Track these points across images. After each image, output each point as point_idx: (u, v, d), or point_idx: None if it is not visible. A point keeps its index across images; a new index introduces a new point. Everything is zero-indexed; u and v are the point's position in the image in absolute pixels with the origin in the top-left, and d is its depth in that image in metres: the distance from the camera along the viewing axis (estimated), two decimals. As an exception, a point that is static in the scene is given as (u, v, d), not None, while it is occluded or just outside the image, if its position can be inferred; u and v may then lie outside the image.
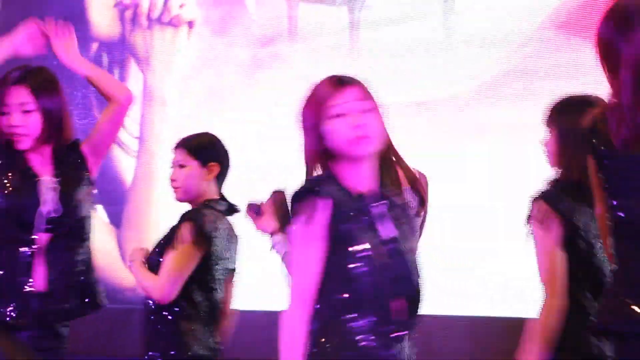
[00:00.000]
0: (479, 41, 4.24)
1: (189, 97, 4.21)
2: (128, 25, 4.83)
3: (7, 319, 2.72)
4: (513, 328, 3.23)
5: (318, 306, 2.14)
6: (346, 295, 2.11)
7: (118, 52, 4.84)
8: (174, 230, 3.25)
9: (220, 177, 3.34)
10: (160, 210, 4.61)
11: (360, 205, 2.19)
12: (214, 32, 4.67)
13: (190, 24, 4.70)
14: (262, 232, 2.87)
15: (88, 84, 4.97)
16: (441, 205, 3.35)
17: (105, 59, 4.87)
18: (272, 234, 2.83)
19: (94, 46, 4.89)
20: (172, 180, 3.40)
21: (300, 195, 2.15)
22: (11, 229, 2.81)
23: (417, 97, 4.26)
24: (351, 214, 2.16)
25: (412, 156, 3.98)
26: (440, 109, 4.16)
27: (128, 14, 4.81)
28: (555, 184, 2.76)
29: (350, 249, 2.13)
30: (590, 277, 2.72)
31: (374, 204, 2.19)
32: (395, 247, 2.16)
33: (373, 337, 2.11)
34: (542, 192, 2.74)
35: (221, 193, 3.41)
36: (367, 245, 2.14)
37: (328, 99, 2.17)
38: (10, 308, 2.76)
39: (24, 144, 2.80)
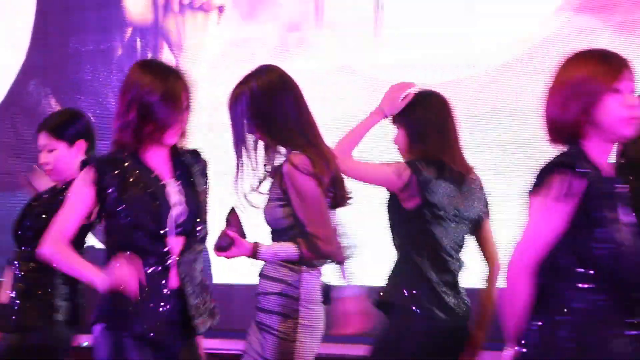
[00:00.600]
0: (499, 21, 4.10)
1: (219, 79, 4.17)
2: (161, 11, 4.87)
3: (152, 334, 2.55)
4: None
5: (556, 283, 2.07)
6: (587, 278, 2.04)
7: (151, 37, 4.90)
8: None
9: (89, 150, 3.44)
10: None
11: (610, 187, 2.09)
12: (243, 16, 4.66)
13: (221, 9, 4.71)
14: (241, 256, 2.86)
15: (122, 69, 4.96)
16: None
17: (138, 44, 4.94)
18: (253, 254, 2.84)
19: (128, 31, 4.96)
20: (45, 164, 3.48)
21: (555, 168, 2.02)
22: (142, 239, 2.61)
23: (438, 78, 4.16)
24: (603, 195, 2.06)
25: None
26: (461, 89, 4.07)
27: (160, 0, 4.91)
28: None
29: (597, 230, 2.05)
30: (428, 246, 2.96)
31: (620, 187, 2.10)
32: (636, 231, 2.08)
33: (608, 322, 2.05)
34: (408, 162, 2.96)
35: None
36: (614, 229, 2.05)
37: (612, 73, 2.04)
38: (155, 322, 2.56)
39: (173, 140, 2.62)
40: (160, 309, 2.56)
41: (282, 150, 2.90)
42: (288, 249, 2.85)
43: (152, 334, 2.54)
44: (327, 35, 4.46)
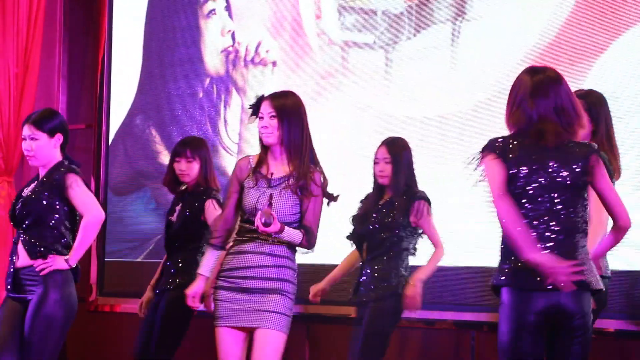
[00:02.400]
0: (481, 67, 4.06)
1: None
2: (231, 65, 4.90)
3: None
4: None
5: None
6: None
7: (224, 84, 4.94)
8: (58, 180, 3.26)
9: (64, 144, 3.38)
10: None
11: None
12: (290, 69, 4.70)
13: (274, 64, 4.74)
14: (273, 231, 2.89)
15: (203, 107, 4.86)
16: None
17: (215, 89, 4.96)
18: (279, 232, 2.89)
19: (207, 80, 4.99)
20: (27, 151, 3.32)
21: None
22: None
23: (433, 112, 4.22)
24: None
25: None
26: (450, 121, 4.10)
27: (231, 57, 4.88)
28: None
29: None
30: None
31: None
32: None
33: None
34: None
35: (65, 155, 3.37)
36: None
37: None
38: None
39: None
40: None
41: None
42: (297, 235, 2.95)
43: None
44: (351, 81, 4.48)
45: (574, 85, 3.61)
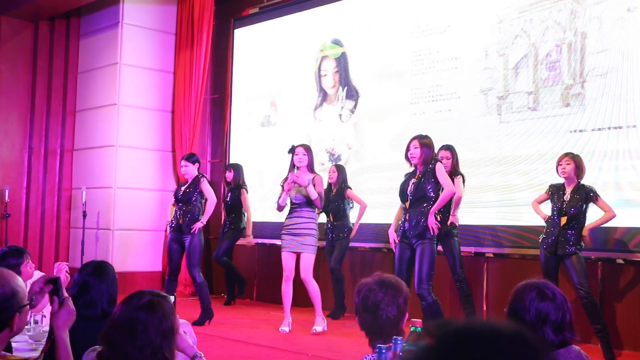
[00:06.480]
0: (443, 114, 5.30)
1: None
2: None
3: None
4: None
5: None
6: None
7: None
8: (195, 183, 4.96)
9: (199, 167, 4.95)
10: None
11: None
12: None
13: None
14: (303, 183, 4.19)
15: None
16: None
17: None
18: (307, 184, 4.23)
19: None
20: (184, 172, 4.87)
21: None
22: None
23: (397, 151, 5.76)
24: None
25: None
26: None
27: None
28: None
29: None
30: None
31: None
32: None
33: None
34: None
35: (199, 172, 4.89)
36: None
37: None
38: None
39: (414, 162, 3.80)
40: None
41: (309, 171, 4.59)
42: (315, 193, 4.35)
43: None
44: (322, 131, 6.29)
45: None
